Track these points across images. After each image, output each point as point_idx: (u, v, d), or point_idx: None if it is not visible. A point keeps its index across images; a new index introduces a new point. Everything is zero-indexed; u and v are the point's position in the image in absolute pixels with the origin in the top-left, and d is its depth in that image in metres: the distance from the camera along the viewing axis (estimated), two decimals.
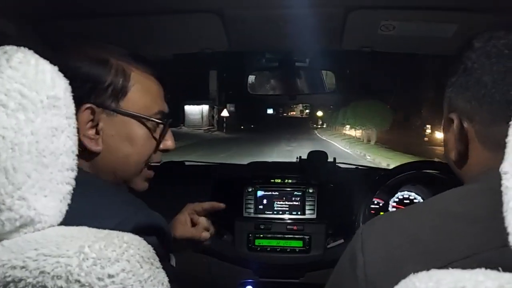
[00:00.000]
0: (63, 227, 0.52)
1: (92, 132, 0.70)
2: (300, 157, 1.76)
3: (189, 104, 33.10)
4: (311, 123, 50.29)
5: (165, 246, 0.68)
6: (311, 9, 0.90)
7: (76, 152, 0.58)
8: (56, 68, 0.55)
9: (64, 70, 0.57)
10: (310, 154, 1.71)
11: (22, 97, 0.48)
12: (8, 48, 0.50)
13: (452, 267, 0.43)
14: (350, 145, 21.38)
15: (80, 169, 0.67)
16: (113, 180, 0.75)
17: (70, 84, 0.59)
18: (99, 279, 0.45)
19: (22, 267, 0.44)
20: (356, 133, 26.61)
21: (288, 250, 1.57)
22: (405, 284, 0.43)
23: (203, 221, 1.12)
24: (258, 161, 1.96)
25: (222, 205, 1.15)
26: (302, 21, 0.95)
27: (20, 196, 0.46)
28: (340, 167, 1.80)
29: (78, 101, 0.63)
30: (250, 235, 1.60)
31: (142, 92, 0.76)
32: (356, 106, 22.80)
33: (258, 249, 1.59)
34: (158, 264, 0.55)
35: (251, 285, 1.68)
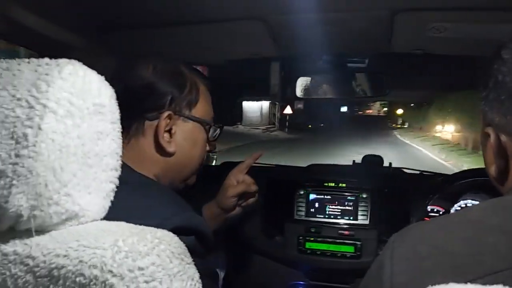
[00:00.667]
0: (104, 221, 0.58)
1: (167, 135, 0.81)
2: (354, 161, 1.73)
3: (247, 100, 28.74)
4: (390, 122, 44.11)
5: (203, 246, 0.72)
6: (355, 12, 0.89)
7: (120, 153, 0.63)
8: (102, 78, 0.61)
9: (139, 82, 0.70)
10: (365, 158, 1.67)
11: (70, 104, 0.54)
12: (61, 61, 0.56)
13: (483, 282, 0.42)
14: (448, 154, 14.81)
15: (133, 172, 0.75)
16: (176, 177, 0.86)
17: (148, 94, 0.78)
18: (129, 270, 0.49)
19: (64, 256, 0.49)
20: (453, 135, 18.47)
21: (338, 255, 1.55)
22: None
23: (248, 178, 1.22)
24: (317, 164, 1.95)
25: (259, 154, 1.25)
26: (347, 25, 0.95)
27: (66, 192, 0.52)
28: (396, 172, 1.73)
29: (159, 109, 0.79)
30: (301, 238, 1.60)
31: (206, 102, 0.89)
32: (460, 98, 15.24)
33: (308, 252, 1.59)
34: (189, 260, 0.59)
35: (302, 287, 1.68)
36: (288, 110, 26.14)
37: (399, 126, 39.18)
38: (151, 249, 0.52)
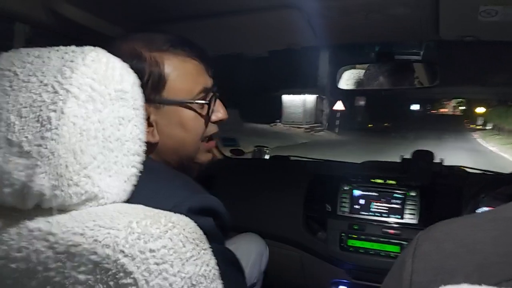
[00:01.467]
0: (122, 204, 0.60)
1: (145, 126, 0.76)
2: (402, 156, 1.64)
3: (288, 94, 23.22)
4: (467, 123, 36.99)
5: (220, 227, 0.72)
6: None
7: (144, 139, 0.65)
8: (126, 64, 0.62)
9: None
10: (415, 153, 1.59)
11: (92, 90, 0.56)
12: (85, 48, 0.59)
13: (510, 285, 0.38)
14: None
15: (148, 157, 0.76)
16: (178, 161, 0.82)
17: None
18: (140, 252, 0.50)
19: (81, 234, 0.52)
20: None
21: (382, 254, 1.49)
22: None
23: None
24: (372, 161, 1.89)
25: None
26: (388, 11, 0.89)
27: (86, 174, 0.54)
28: (448, 169, 1.63)
29: None
30: (343, 234, 1.56)
31: (180, 77, 0.78)
32: None
33: (351, 249, 1.55)
34: (205, 246, 0.59)
35: (345, 286, 1.64)
36: (339, 105, 21.10)
37: (479, 127, 31.90)
38: (164, 232, 0.53)
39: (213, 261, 0.59)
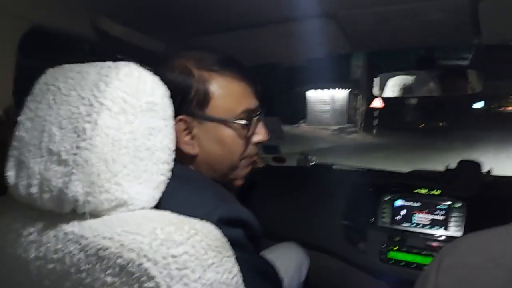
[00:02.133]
0: (150, 210, 0.62)
1: (187, 138, 0.81)
2: (447, 166, 1.57)
3: (314, 89, 18.83)
4: None
5: (250, 238, 0.73)
6: (429, 2, 0.81)
7: (173, 148, 0.68)
8: (157, 78, 0.66)
9: (164, 82, 0.69)
10: (461, 163, 1.51)
11: (124, 102, 0.60)
12: (120, 63, 0.63)
13: None
14: None
15: (185, 166, 0.79)
16: (214, 175, 0.85)
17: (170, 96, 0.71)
18: (163, 257, 0.53)
19: (110, 238, 0.55)
20: None
21: (425, 268, 1.43)
22: None
23: None
24: (420, 170, 1.83)
25: None
26: (422, 17, 0.87)
27: (116, 182, 0.58)
28: (497, 179, 1.53)
29: (175, 113, 0.73)
30: (383, 246, 1.52)
31: (224, 97, 0.82)
32: None
33: (391, 262, 1.50)
34: (228, 253, 0.60)
35: None
36: (377, 103, 16.58)
37: None
38: (186, 238, 0.55)
39: (236, 269, 0.60)
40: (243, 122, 0.84)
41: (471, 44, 1.02)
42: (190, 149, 0.81)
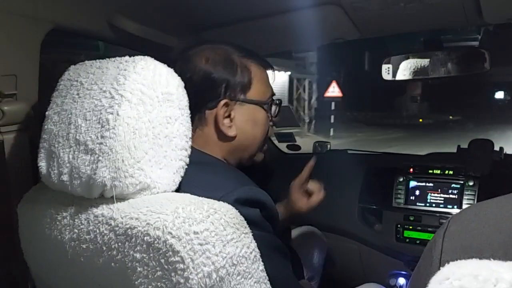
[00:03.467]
0: (171, 193, 0.67)
1: (227, 121, 0.87)
2: (459, 146, 1.58)
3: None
4: None
5: (267, 218, 0.77)
6: None
7: (189, 135, 0.72)
8: (171, 70, 0.70)
9: (196, 75, 0.80)
10: (472, 143, 1.52)
11: (142, 94, 0.64)
12: (136, 57, 0.67)
13: None
14: None
15: (205, 154, 0.84)
16: (241, 156, 0.93)
17: (208, 83, 0.83)
18: (186, 233, 0.57)
19: (136, 218, 0.60)
20: None
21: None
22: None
23: (315, 186, 1.20)
24: (436, 152, 1.84)
25: (312, 162, 1.20)
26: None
27: (139, 167, 0.63)
28: (510, 158, 1.54)
29: (217, 97, 0.85)
30: (399, 226, 1.55)
31: (260, 83, 0.91)
32: None
33: (407, 240, 1.53)
34: (246, 230, 0.64)
35: (404, 277, 1.62)
36: (333, 91, 11.92)
37: None
38: (206, 217, 0.60)
39: (253, 245, 0.65)
40: (275, 104, 0.95)
41: (478, 25, 1.02)
42: (230, 131, 0.87)
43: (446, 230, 0.55)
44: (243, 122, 0.89)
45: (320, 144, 2.27)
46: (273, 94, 0.96)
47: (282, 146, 2.33)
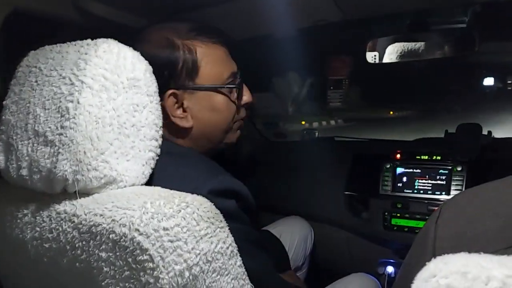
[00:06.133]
0: (140, 186, 0.63)
1: (179, 112, 0.80)
2: (447, 130, 1.56)
3: None
4: None
5: (244, 209, 0.73)
6: None
7: (160, 124, 0.67)
8: (137, 53, 0.65)
9: (146, 59, 0.67)
10: (460, 127, 1.49)
11: (105, 79, 0.59)
12: (98, 40, 0.62)
13: None
14: None
15: (174, 144, 0.78)
16: (209, 144, 0.85)
17: (153, 71, 0.69)
18: (154, 230, 0.53)
19: (101, 215, 0.55)
20: None
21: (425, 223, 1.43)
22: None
23: None
24: (423, 138, 1.81)
25: None
26: None
27: (103, 159, 0.58)
28: (498, 141, 1.51)
29: (162, 88, 0.73)
30: (386, 213, 1.52)
31: (211, 64, 0.81)
32: None
33: (395, 228, 1.50)
34: (221, 224, 0.60)
35: (392, 266, 1.60)
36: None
37: None
38: (177, 211, 0.55)
39: (230, 239, 0.61)
40: (233, 86, 0.84)
41: (465, 3, 0.99)
42: (184, 122, 0.80)
43: (438, 217, 0.52)
44: (199, 111, 0.81)
45: (307, 131, 2.24)
46: (234, 72, 0.85)
47: (268, 134, 2.30)
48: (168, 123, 0.78)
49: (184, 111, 0.80)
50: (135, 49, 0.65)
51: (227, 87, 0.83)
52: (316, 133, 2.23)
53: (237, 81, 0.85)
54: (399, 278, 0.60)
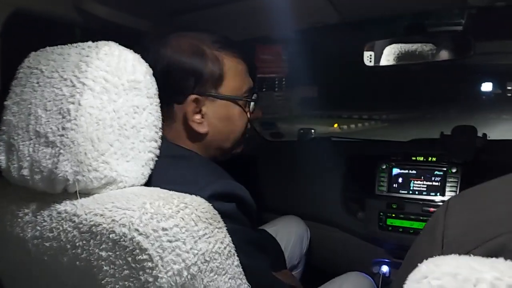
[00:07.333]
0: (139, 187, 0.64)
1: (198, 117, 0.82)
2: (442, 132, 1.57)
3: None
4: None
5: (244, 212, 0.75)
6: None
7: (159, 126, 0.68)
8: (138, 56, 0.66)
9: (168, 63, 0.73)
10: (455, 129, 1.51)
11: (106, 81, 0.60)
12: (100, 43, 0.63)
13: None
14: None
15: (178, 146, 0.80)
16: (217, 151, 0.88)
17: (175, 75, 0.76)
18: (154, 230, 0.54)
19: (101, 215, 0.56)
20: None
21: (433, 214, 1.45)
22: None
23: None
24: (419, 139, 1.82)
25: None
26: None
27: (103, 160, 0.59)
28: (493, 144, 1.53)
29: (185, 91, 0.79)
30: (382, 214, 1.54)
31: (235, 76, 0.85)
32: None
33: (390, 228, 1.52)
34: (219, 225, 0.61)
35: (387, 265, 1.62)
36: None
37: None
38: (176, 212, 0.56)
39: (227, 239, 0.62)
40: (249, 99, 0.89)
41: (462, 8, 1.00)
42: (201, 127, 0.82)
43: (447, 207, 0.52)
44: (216, 118, 0.84)
45: (304, 131, 2.25)
46: (251, 87, 0.89)
47: (265, 134, 2.31)
48: (177, 125, 0.82)
49: (202, 117, 0.83)
50: (159, 53, 0.68)
51: (245, 100, 0.88)
52: (313, 133, 2.24)
53: (253, 96, 0.90)
54: (401, 269, 0.61)
